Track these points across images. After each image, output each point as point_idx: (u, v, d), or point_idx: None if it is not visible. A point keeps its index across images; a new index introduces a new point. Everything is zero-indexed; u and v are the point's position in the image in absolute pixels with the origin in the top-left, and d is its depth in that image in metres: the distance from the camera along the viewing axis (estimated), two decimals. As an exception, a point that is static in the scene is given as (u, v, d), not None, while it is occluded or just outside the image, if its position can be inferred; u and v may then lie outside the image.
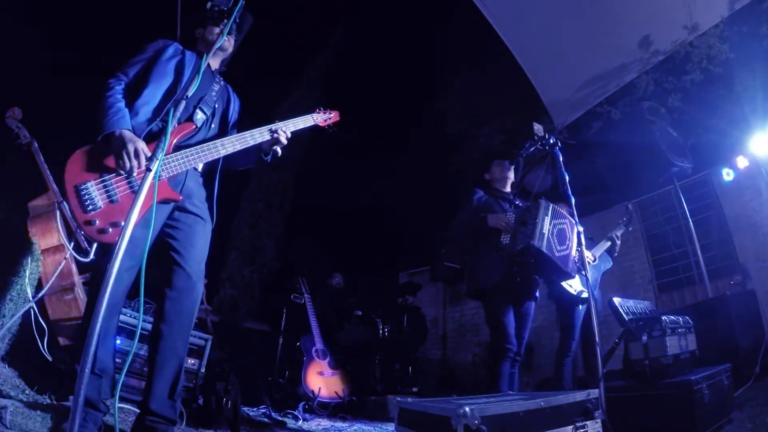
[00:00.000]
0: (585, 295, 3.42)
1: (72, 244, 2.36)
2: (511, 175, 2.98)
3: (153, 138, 1.71)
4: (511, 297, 2.68)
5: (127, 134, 1.62)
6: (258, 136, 1.92)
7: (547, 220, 2.53)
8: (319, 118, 2.17)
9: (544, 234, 2.48)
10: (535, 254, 2.50)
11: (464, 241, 3.00)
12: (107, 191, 1.58)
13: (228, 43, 1.98)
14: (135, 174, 1.60)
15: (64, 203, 2.46)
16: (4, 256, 2.28)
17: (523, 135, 2.73)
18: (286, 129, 1.96)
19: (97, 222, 1.53)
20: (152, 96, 1.77)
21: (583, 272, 2.47)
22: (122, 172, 1.60)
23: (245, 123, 2.06)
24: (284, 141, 1.94)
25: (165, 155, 1.67)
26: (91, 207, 1.54)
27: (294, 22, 6.77)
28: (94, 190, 1.56)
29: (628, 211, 3.74)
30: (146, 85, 1.78)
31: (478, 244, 2.80)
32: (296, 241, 7.45)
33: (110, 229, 1.54)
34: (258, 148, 1.96)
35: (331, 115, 2.21)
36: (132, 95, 1.76)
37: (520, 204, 2.91)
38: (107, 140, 1.62)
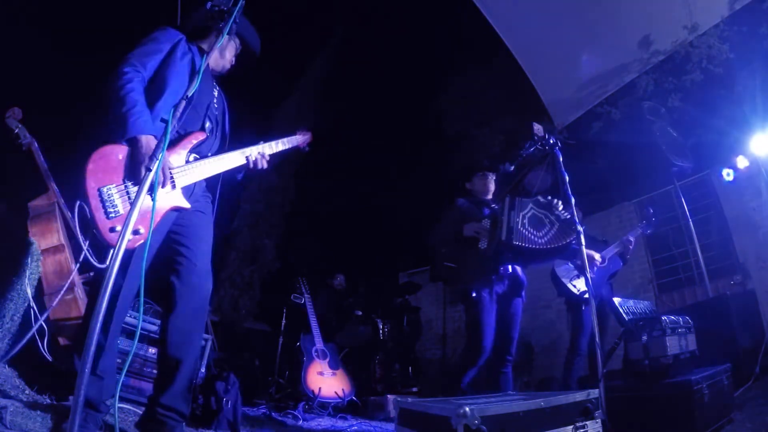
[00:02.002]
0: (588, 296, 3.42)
1: (87, 242, 2.34)
2: (492, 186, 3.05)
3: (170, 146, 1.67)
4: (496, 298, 2.72)
5: (153, 144, 1.53)
6: (267, 148, 2.00)
7: (514, 213, 2.60)
8: (299, 140, 2.23)
9: (512, 227, 2.55)
10: (510, 248, 2.56)
11: (447, 247, 3.07)
12: (129, 197, 1.53)
13: (228, 42, 1.98)
14: (157, 187, 1.54)
15: (64, 203, 2.46)
16: (4, 256, 2.28)
17: (523, 135, 2.73)
18: (265, 151, 2.00)
19: (118, 228, 1.47)
20: (173, 100, 1.67)
21: (587, 273, 2.45)
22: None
23: (243, 128, 2.08)
24: (261, 166, 1.98)
25: (182, 165, 1.70)
26: (113, 213, 1.49)
27: (294, 23, 6.77)
28: (115, 194, 1.51)
29: (649, 213, 3.65)
30: (166, 87, 1.71)
31: (459, 249, 2.87)
32: (296, 241, 7.44)
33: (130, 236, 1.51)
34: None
35: (306, 137, 2.27)
36: (151, 94, 1.69)
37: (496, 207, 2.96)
38: (131, 143, 1.57)
